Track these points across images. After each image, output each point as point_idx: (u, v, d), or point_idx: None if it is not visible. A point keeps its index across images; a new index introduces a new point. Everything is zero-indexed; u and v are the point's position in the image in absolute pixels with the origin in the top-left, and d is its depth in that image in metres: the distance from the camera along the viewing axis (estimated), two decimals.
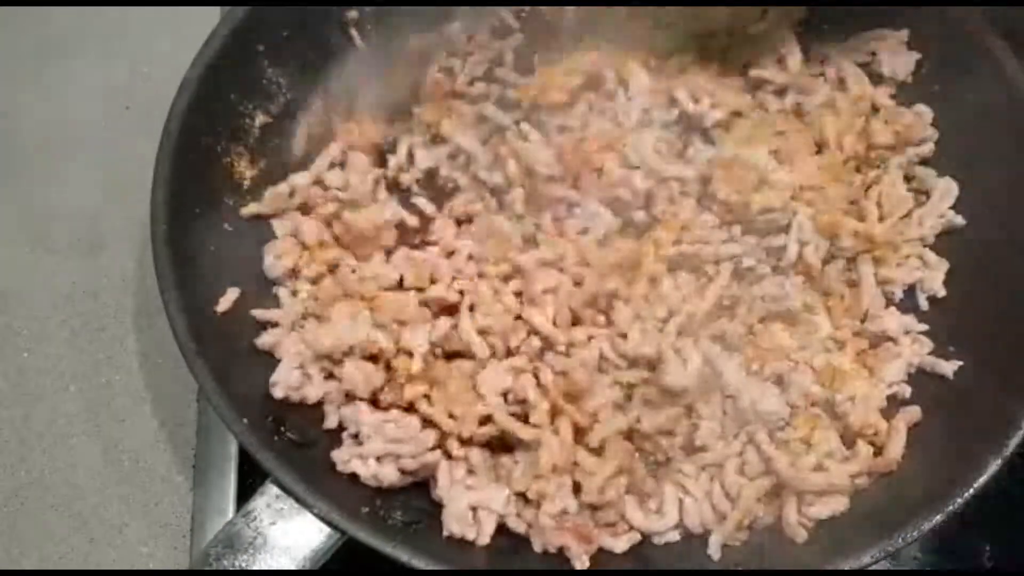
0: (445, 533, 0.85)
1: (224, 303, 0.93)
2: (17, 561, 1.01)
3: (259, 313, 0.96)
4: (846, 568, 0.80)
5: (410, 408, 0.92)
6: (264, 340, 0.94)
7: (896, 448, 0.91)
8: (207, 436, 1.05)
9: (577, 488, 0.89)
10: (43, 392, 1.09)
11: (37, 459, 1.06)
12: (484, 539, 0.86)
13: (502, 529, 0.88)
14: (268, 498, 0.82)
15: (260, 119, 1.03)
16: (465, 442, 0.90)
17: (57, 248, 1.17)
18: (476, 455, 0.90)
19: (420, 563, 0.78)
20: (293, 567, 0.80)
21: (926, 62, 1.08)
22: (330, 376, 0.94)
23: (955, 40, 1.04)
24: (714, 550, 0.88)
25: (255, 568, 0.80)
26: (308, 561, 0.81)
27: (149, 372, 1.10)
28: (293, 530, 0.81)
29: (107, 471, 1.05)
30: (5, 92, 1.26)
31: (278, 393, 0.91)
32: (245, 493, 1.00)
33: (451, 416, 0.89)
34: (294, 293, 0.99)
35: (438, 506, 0.88)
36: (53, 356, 1.11)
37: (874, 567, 0.94)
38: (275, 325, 0.96)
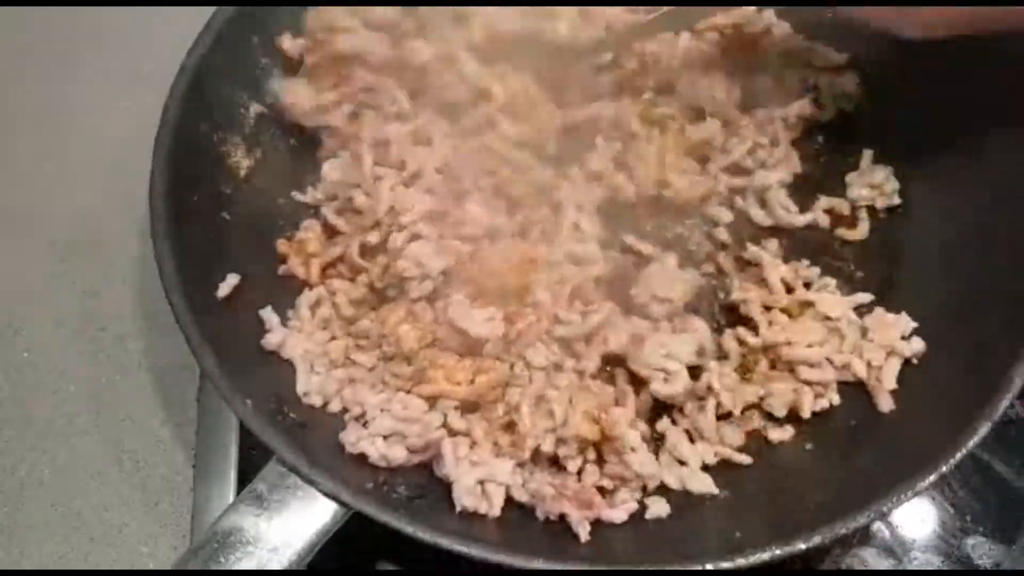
0: (458, 508, 0.86)
1: (224, 288, 0.94)
2: (17, 561, 1.00)
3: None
4: (842, 531, 0.79)
5: (409, 391, 0.92)
6: (269, 340, 0.95)
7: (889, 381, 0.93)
8: (207, 436, 1.04)
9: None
10: (43, 392, 1.09)
11: (37, 459, 1.05)
12: (495, 511, 0.86)
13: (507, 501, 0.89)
14: (272, 477, 0.82)
15: (255, 108, 1.05)
16: (467, 410, 0.91)
17: (57, 248, 1.17)
18: (477, 428, 0.90)
19: (427, 535, 0.79)
20: (296, 548, 0.79)
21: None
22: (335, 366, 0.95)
23: None
24: None
25: (258, 552, 0.78)
26: (311, 542, 0.80)
27: (149, 372, 1.10)
28: (296, 510, 0.80)
29: (107, 471, 1.04)
30: (4, 91, 1.28)
31: (316, 403, 0.92)
32: None
33: (455, 383, 0.90)
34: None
35: (439, 480, 0.89)
36: (53, 356, 1.11)
37: (875, 567, 0.95)
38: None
